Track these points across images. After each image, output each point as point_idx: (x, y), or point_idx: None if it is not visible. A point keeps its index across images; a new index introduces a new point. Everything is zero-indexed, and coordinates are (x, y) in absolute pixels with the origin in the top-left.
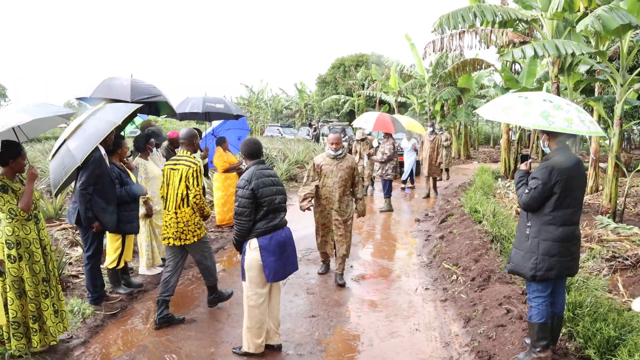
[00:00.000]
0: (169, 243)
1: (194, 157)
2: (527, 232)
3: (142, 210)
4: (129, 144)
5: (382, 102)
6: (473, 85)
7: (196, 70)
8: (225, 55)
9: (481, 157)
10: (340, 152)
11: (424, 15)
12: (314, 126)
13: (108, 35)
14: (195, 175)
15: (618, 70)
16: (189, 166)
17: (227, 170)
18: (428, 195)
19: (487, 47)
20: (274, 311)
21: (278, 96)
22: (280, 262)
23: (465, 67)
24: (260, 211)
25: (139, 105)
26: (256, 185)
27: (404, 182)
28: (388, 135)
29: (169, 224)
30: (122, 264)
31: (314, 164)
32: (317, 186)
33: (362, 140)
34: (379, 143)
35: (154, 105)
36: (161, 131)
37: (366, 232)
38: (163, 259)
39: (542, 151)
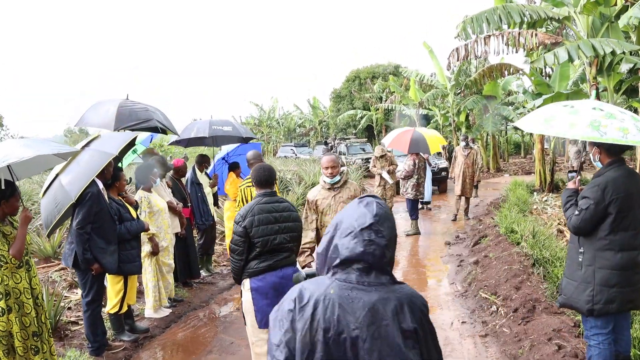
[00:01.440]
0: None
1: None
2: (580, 260)
3: (147, 248)
4: (131, 171)
5: (401, 116)
6: (500, 92)
7: (201, 90)
8: (231, 73)
9: (512, 169)
10: (337, 178)
11: (440, 20)
12: (329, 144)
13: (111, 57)
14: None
15: None
16: None
17: None
18: (456, 218)
19: (516, 51)
20: None
21: (290, 114)
22: None
23: (492, 73)
24: (254, 251)
25: (137, 134)
26: (249, 223)
27: (422, 202)
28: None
29: None
30: (124, 308)
31: (308, 202)
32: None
33: (382, 156)
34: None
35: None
36: (165, 160)
37: None
38: (170, 299)
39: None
